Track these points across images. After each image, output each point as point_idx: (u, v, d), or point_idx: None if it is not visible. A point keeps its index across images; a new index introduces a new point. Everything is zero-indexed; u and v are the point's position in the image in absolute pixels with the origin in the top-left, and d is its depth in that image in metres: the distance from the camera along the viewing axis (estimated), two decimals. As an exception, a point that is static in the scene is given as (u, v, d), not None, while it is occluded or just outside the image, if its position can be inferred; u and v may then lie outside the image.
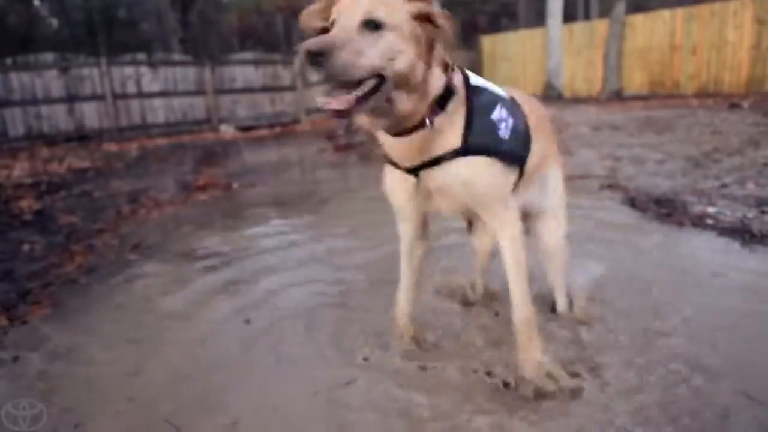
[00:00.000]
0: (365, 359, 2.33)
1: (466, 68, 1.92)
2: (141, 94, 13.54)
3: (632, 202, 4.63)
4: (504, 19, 21.63)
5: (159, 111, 13.69)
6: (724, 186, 4.94)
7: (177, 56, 15.68)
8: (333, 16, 1.62)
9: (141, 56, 14.30)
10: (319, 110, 17.60)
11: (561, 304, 2.55)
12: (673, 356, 2.20)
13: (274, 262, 3.71)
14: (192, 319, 2.89)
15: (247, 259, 3.82)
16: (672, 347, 2.27)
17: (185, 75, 14.28)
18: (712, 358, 2.17)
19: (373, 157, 8.61)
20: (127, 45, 23.87)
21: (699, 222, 3.99)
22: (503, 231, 1.94)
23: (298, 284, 3.26)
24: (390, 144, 1.84)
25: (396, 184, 1.97)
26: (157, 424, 1.98)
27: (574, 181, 5.23)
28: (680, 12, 14.95)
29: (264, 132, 14.36)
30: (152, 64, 13.76)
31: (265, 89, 15.75)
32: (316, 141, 11.27)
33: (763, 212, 4.11)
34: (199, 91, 14.51)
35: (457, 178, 1.82)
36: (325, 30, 1.64)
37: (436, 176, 1.83)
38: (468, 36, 20.01)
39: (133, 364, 2.41)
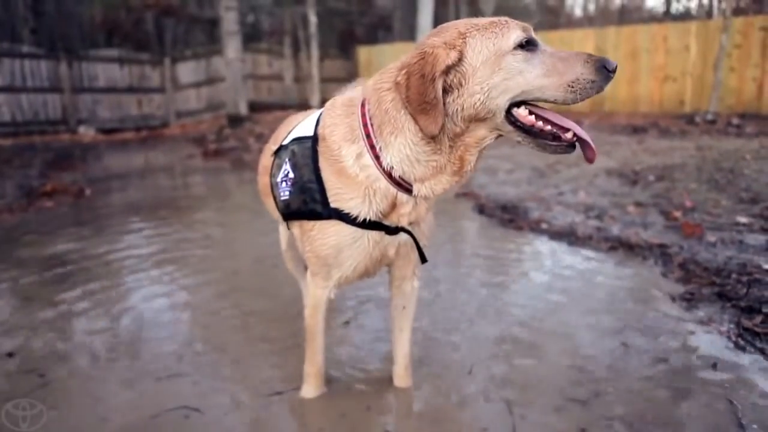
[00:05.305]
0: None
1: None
2: (-23, 88, 11.99)
3: (482, 209, 5.04)
4: (380, 32, 22.33)
5: (3, 108, 12.25)
6: (561, 194, 5.54)
7: (26, 48, 14.12)
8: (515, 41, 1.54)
9: (-22, 45, 12.69)
10: (190, 113, 16.52)
11: None
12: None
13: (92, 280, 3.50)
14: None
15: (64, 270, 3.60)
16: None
17: (36, 69, 12.91)
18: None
19: (244, 164, 8.46)
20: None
21: (536, 227, 4.46)
22: (417, 272, 2.04)
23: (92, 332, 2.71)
24: (412, 203, 1.72)
25: (354, 242, 1.75)
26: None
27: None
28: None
29: (129, 135, 13.47)
30: (-6, 55, 12.27)
31: (132, 90, 14.77)
32: (185, 146, 10.82)
33: (588, 217, 4.69)
34: (54, 88, 13.22)
35: (427, 228, 1.90)
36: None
37: (418, 228, 1.84)
38: (346, 46, 20.43)
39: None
